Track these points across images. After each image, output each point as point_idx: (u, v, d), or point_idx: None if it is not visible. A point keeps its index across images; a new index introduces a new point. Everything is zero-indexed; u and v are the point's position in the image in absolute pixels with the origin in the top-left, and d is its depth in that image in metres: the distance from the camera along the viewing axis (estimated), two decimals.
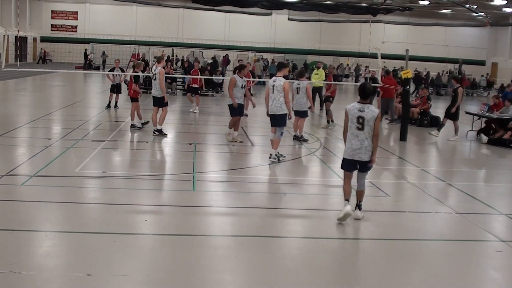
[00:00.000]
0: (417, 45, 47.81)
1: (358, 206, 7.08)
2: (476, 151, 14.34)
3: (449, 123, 15.23)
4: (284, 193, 8.45)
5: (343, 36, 51.43)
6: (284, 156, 10.73)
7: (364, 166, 7.01)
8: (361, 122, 6.86)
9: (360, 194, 7.11)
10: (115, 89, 17.72)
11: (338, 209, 7.81)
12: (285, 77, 11.65)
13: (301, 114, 13.17)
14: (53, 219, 6.75)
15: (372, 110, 6.90)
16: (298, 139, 13.14)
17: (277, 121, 10.53)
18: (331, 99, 16.62)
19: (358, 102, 6.98)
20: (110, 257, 5.57)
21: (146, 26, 49.45)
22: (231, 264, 5.66)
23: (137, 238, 6.22)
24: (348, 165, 7.05)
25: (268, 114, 10.75)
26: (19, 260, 5.29)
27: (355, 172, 7.15)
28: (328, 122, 16.07)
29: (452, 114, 14.82)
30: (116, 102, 17.89)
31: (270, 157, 10.56)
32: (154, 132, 12.84)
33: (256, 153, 11.75)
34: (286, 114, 10.54)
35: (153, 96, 13.08)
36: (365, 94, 7.00)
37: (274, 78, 10.69)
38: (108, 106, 17.76)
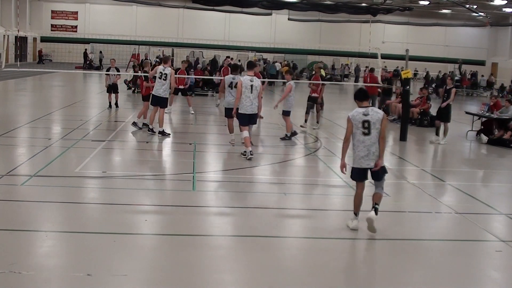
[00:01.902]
0: (417, 45, 47.79)
1: (374, 208, 6.54)
2: (476, 151, 14.34)
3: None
4: (284, 193, 8.45)
5: (343, 36, 51.43)
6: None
7: (376, 174, 6.64)
8: (367, 126, 6.51)
9: (377, 197, 6.62)
10: (112, 89, 17.68)
11: (338, 209, 7.83)
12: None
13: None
14: (53, 219, 6.76)
15: (377, 111, 6.65)
16: (291, 137, 13.24)
17: (253, 120, 10.82)
18: (318, 100, 15.98)
19: (360, 107, 6.66)
20: (110, 257, 5.57)
21: (146, 26, 49.45)
22: (231, 264, 5.66)
23: (137, 238, 6.22)
24: (358, 174, 6.68)
25: (235, 113, 10.88)
26: (19, 260, 5.29)
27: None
28: (317, 122, 15.87)
29: (444, 116, 14.23)
30: (116, 102, 17.87)
31: (250, 154, 10.61)
32: (148, 130, 13.02)
33: (256, 153, 11.74)
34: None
35: (157, 96, 12.95)
36: (364, 95, 6.74)
37: (249, 78, 10.66)
38: (110, 106, 17.73)
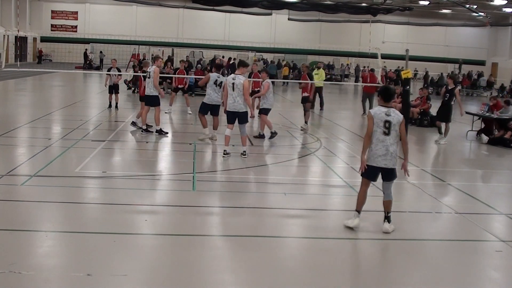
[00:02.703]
0: (417, 45, 47.85)
1: (387, 218, 6.71)
2: (476, 151, 14.33)
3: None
4: (284, 193, 8.45)
5: (343, 36, 51.45)
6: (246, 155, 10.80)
7: (389, 175, 6.69)
8: (387, 126, 6.57)
9: (387, 205, 6.75)
10: (113, 90, 17.55)
11: (338, 209, 7.83)
12: (286, 77, 11.76)
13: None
14: (53, 219, 6.76)
15: (397, 114, 6.69)
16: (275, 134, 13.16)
17: (240, 118, 10.72)
18: (310, 99, 15.47)
19: (382, 105, 6.69)
20: (110, 257, 5.57)
21: (146, 26, 49.49)
22: (231, 264, 5.66)
23: (137, 238, 6.22)
24: (370, 173, 6.69)
25: (225, 111, 10.92)
26: (19, 260, 5.29)
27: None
28: (306, 123, 15.37)
29: (445, 116, 14.24)
30: (117, 103, 17.76)
31: (244, 154, 10.66)
32: (142, 131, 13.05)
33: (256, 153, 11.75)
34: (247, 111, 10.80)
35: (147, 95, 13.05)
36: (389, 96, 6.73)
37: (233, 76, 10.77)
38: (110, 106, 17.68)
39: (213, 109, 12.37)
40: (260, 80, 14.69)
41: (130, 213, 7.10)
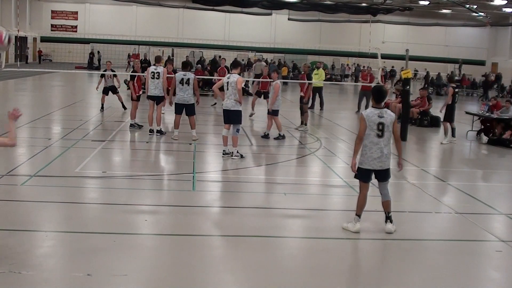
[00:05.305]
0: (417, 45, 47.80)
1: (388, 218, 6.68)
2: (476, 151, 14.33)
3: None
4: (284, 193, 8.45)
5: (343, 36, 51.46)
6: (244, 156, 10.72)
7: (384, 175, 6.66)
8: (381, 128, 6.48)
9: (387, 205, 6.72)
10: (108, 91, 17.14)
11: (338, 209, 7.83)
12: (285, 77, 11.74)
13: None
14: (53, 219, 6.76)
15: (390, 114, 6.62)
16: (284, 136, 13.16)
17: (232, 117, 10.61)
18: (304, 100, 15.32)
19: (374, 107, 6.59)
20: (110, 257, 5.57)
21: (146, 26, 49.50)
22: (231, 264, 5.66)
23: (137, 238, 6.22)
24: (366, 174, 6.64)
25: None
26: (19, 260, 5.29)
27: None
28: (302, 123, 15.25)
29: (447, 116, 14.28)
30: (122, 103, 17.34)
31: (232, 156, 10.61)
32: (156, 132, 12.96)
33: (256, 153, 11.76)
34: (240, 110, 10.68)
35: (154, 96, 13.01)
36: (381, 97, 6.63)
37: (228, 75, 10.82)
38: (102, 108, 17.09)
39: (186, 109, 12.32)
40: (270, 80, 14.69)
41: (130, 213, 7.11)
